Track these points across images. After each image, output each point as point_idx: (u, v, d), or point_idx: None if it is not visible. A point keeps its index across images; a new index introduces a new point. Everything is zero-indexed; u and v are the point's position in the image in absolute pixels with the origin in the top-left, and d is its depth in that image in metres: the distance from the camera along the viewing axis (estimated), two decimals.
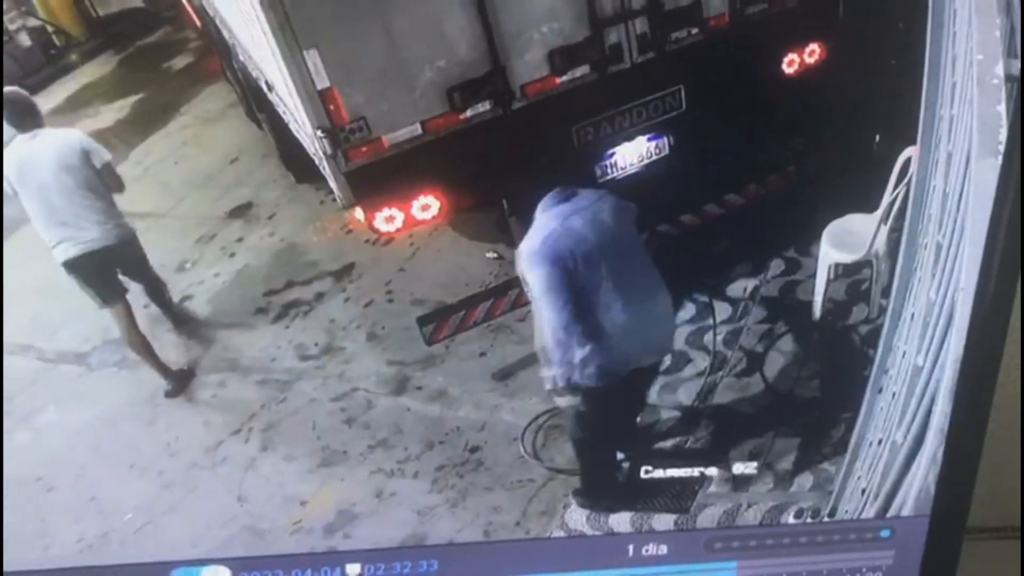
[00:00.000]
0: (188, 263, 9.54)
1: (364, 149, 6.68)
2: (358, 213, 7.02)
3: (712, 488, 6.14)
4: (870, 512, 4.81)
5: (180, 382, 7.73)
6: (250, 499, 6.92)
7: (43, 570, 4.61)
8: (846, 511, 5.36)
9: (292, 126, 7.59)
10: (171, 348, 8.03)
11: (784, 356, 6.94)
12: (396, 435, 7.09)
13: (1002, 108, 4.00)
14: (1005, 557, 5.58)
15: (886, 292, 6.38)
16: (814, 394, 6.66)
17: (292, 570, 4.44)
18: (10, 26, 15.22)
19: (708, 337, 7.14)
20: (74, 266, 7.63)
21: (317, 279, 8.69)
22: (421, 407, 7.27)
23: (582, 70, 6.79)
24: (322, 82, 6.36)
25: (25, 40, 15.47)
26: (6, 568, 5.68)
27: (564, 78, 6.79)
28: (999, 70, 4.08)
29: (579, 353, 5.65)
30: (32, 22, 15.60)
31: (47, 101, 14.63)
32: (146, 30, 16.01)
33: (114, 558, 5.68)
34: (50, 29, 15.86)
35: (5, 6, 15.07)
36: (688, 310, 7.34)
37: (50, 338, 9.14)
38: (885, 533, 4.42)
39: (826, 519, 5.57)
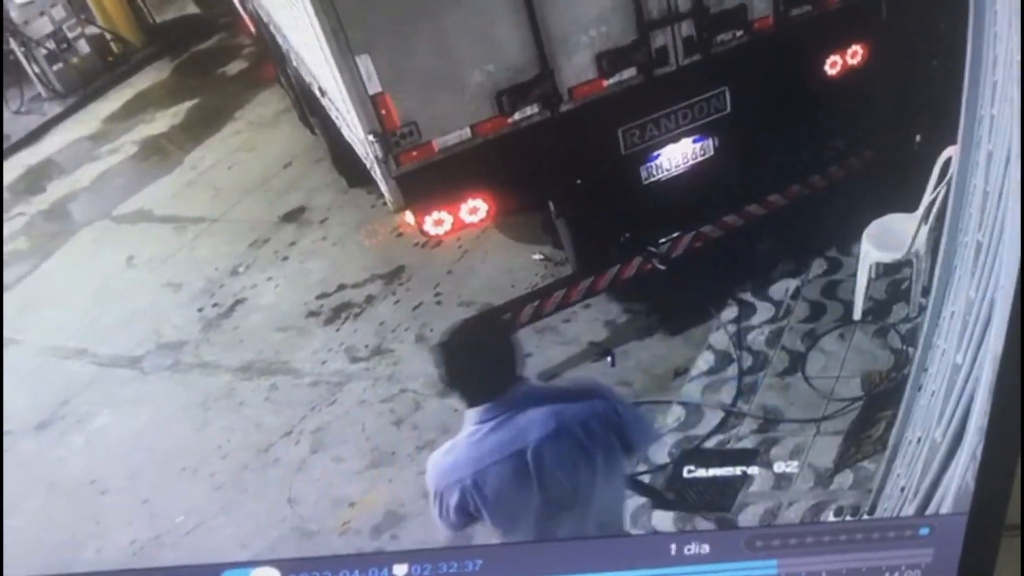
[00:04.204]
0: (241, 267, 9.78)
1: (414, 153, 6.81)
2: (408, 216, 7.18)
3: (753, 487, 6.26)
4: (909, 510, 4.85)
5: None
6: (300, 500, 7.03)
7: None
8: (885, 509, 5.40)
9: (344, 131, 7.76)
10: None
11: (825, 355, 7.00)
12: (443, 436, 6.95)
13: None
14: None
15: (926, 291, 6.44)
16: (855, 393, 6.71)
17: (340, 571, 4.49)
18: (69, 34, 15.55)
19: (751, 337, 7.22)
20: None
21: (368, 282, 8.83)
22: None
23: (629, 73, 6.89)
24: (374, 87, 6.50)
25: (84, 47, 15.78)
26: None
27: (611, 81, 6.89)
28: None
29: None
30: (91, 30, 15.92)
31: (104, 107, 14.97)
32: (202, 36, 16.30)
33: (166, 560, 5.79)
34: (108, 36, 16.16)
35: (65, 13, 15.40)
36: (731, 310, 7.43)
37: (104, 342, 9.38)
38: (924, 531, 4.46)
39: (865, 517, 5.60)
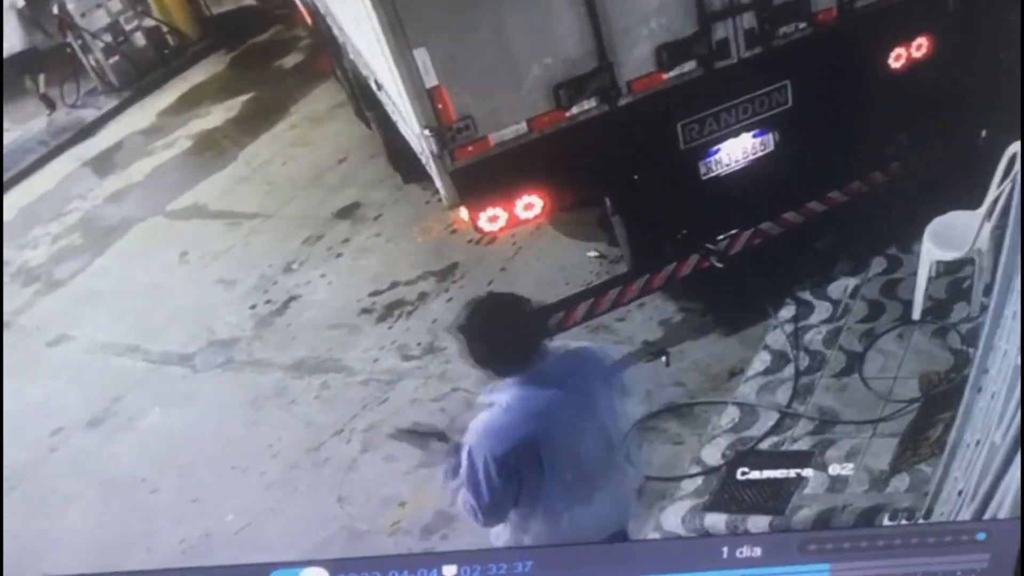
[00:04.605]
0: (295, 264, 9.89)
1: (470, 148, 6.80)
2: (463, 213, 7.15)
3: (808, 490, 6.25)
4: (966, 514, 4.83)
5: None
6: (350, 500, 7.08)
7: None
8: (942, 513, 5.37)
9: (400, 126, 7.80)
10: None
11: (883, 356, 6.95)
12: None
13: None
14: None
15: (988, 290, 6.37)
16: (913, 394, 6.66)
17: (389, 571, 4.52)
18: (126, 26, 15.78)
19: (808, 336, 7.21)
20: None
21: (421, 279, 8.95)
22: None
23: (689, 66, 6.86)
24: (430, 81, 6.50)
25: (140, 40, 16.02)
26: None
27: (671, 74, 6.86)
28: None
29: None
30: (147, 22, 16.14)
31: (159, 101, 15.18)
32: (258, 29, 16.48)
33: (214, 560, 5.86)
34: (164, 29, 16.39)
35: (121, 6, 15.64)
36: (788, 309, 7.42)
37: (157, 339, 9.50)
38: (981, 536, 4.43)
39: (921, 521, 5.58)
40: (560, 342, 4.98)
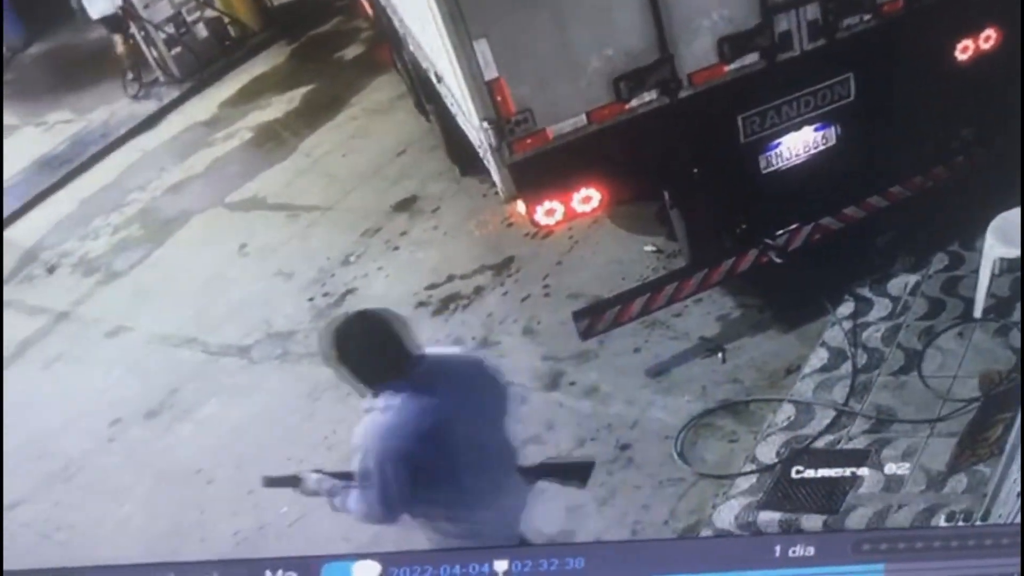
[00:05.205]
0: (353, 256, 10.04)
1: (529, 141, 6.80)
2: (519, 206, 7.16)
3: (863, 489, 6.24)
4: None
5: None
6: None
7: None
8: (1000, 515, 5.34)
9: (459, 118, 7.84)
10: None
11: (943, 354, 6.88)
12: (548, 431, 7.24)
13: None
14: None
15: None
16: (972, 393, 6.55)
17: (441, 565, 4.56)
18: (188, 17, 16.01)
19: (867, 333, 7.15)
20: None
21: (477, 273, 9.05)
22: (573, 403, 7.43)
23: (751, 58, 6.82)
24: (490, 73, 6.52)
25: (202, 31, 16.25)
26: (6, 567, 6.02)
27: (732, 66, 6.82)
28: None
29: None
30: (209, 13, 16.35)
31: (220, 93, 15.39)
32: (319, 20, 16.65)
33: (268, 551, 5.92)
34: (226, 20, 16.59)
35: None
36: (847, 305, 7.36)
37: (215, 331, 9.67)
38: None
39: (979, 522, 5.55)
40: (440, 351, 5.22)
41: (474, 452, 4.94)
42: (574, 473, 5.80)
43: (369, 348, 4.73)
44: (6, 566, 6.96)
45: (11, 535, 8.05)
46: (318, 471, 5.21)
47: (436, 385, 4.79)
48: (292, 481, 5.28)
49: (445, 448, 4.80)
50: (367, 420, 4.79)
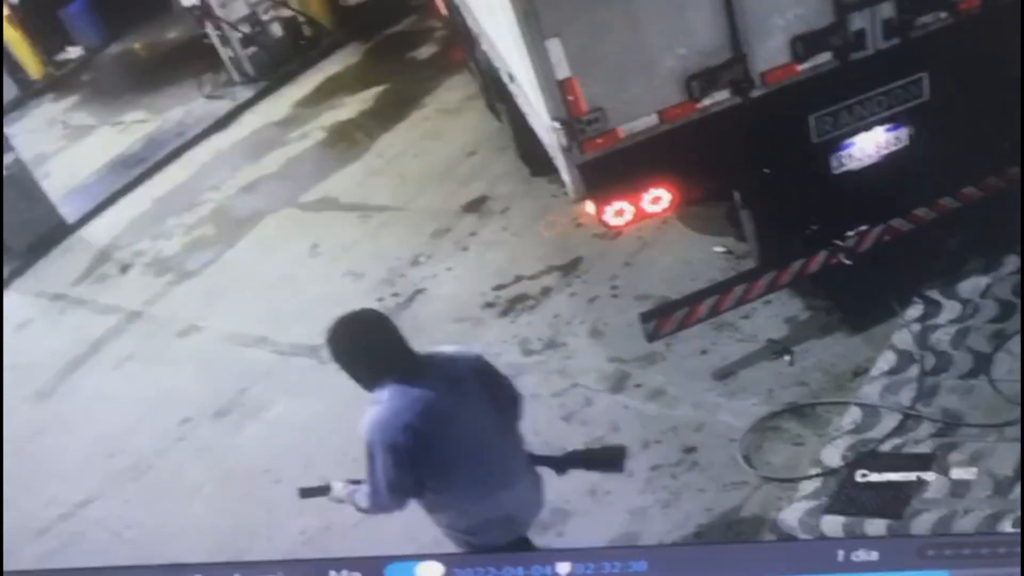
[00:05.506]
0: (422, 256, 10.13)
1: (599, 140, 6.82)
2: (589, 207, 7.19)
3: (928, 493, 6.17)
4: None
5: None
6: None
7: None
8: None
9: (530, 118, 7.91)
10: None
11: (1013, 357, 6.75)
12: (613, 433, 7.28)
13: None
14: None
15: None
16: None
17: (504, 567, 4.60)
18: (263, 16, 16.21)
19: (936, 336, 7.07)
20: None
21: (544, 273, 9.09)
22: (639, 405, 7.44)
23: (824, 57, 6.79)
24: (563, 72, 6.55)
25: (277, 30, 16.44)
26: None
27: (805, 65, 6.80)
28: None
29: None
30: (284, 12, 16.54)
31: (294, 92, 15.55)
32: (393, 19, 16.76)
33: (333, 551, 5.97)
34: (301, 19, 16.78)
35: None
36: (916, 308, 7.28)
37: (285, 330, 9.79)
38: None
39: None
40: (436, 349, 5.39)
41: (471, 444, 5.24)
42: (606, 460, 6.04)
43: (359, 348, 5.10)
44: (79, 563, 7.14)
45: (82, 532, 8.36)
46: (347, 480, 5.58)
47: (427, 380, 5.11)
48: (323, 490, 5.67)
49: (437, 439, 5.10)
50: (366, 414, 5.13)
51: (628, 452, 6.11)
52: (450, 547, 5.77)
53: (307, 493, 5.77)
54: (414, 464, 5.10)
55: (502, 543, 5.52)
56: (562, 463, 5.88)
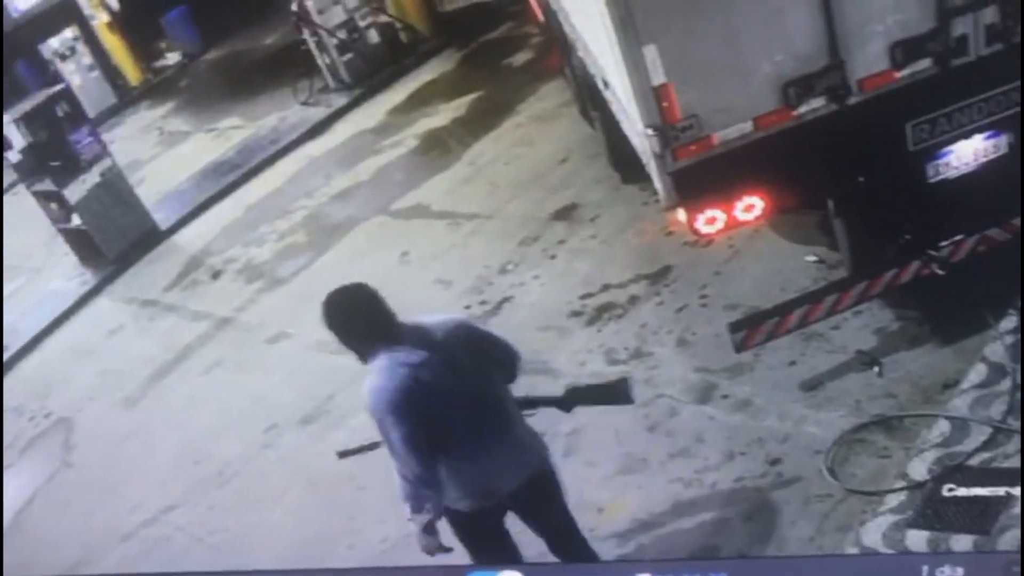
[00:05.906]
0: (510, 264, 10.22)
1: (692, 147, 6.81)
2: (680, 214, 7.16)
3: (1016, 509, 6.00)
4: None
5: None
6: None
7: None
8: None
9: (623, 124, 7.91)
10: None
11: None
12: (697, 444, 7.26)
13: None
14: None
15: None
16: None
17: None
18: (361, 23, 16.43)
19: None
20: None
21: (632, 282, 9.08)
22: (725, 416, 7.41)
23: (923, 63, 6.72)
24: (658, 78, 6.56)
25: (373, 37, 16.68)
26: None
27: (903, 72, 6.73)
28: None
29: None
30: (381, 19, 16.74)
31: (389, 99, 15.73)
32: (489, 26, 16.92)
33: (413, 560, 6.02)
34: (397, 26, 16.98)
35: (357, 2, 16.29)
36: (1010, 320, 7.11)
37: None
38: None
39: None
40: (422, 318, 5.77)
41: (464, 402, 5.65)
42: (610, 394, 6.38)
43: (351, 315, 5.54)
44: (163, 568, 7.24)
45: (166, 537, 8.55)
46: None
47: (414, 345, 5.55)
48: (364, 449, 6.29)
49: (429, 395, 5.48)
50: (364, 386, 5.55)
51: (631, 382, 6.43)
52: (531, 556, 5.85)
53: (346, 454, 6.51)
54: (419, 418, 5.46)
55: (486, 505, 5.86)
56: (566, 401, 6.28)
